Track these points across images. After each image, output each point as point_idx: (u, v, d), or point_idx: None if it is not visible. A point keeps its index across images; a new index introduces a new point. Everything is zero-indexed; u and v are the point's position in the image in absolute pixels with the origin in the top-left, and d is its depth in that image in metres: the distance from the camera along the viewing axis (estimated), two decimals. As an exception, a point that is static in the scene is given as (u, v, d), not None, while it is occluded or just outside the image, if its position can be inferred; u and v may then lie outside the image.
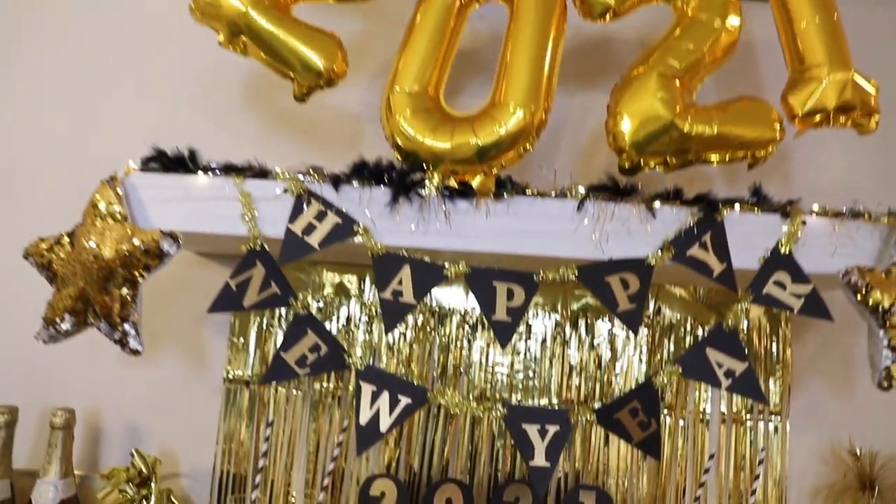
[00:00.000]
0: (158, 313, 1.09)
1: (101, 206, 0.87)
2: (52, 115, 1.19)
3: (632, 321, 0.88)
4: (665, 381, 0.89)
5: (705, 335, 0.95)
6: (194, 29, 0.93)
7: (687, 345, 1.10)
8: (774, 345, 1.11)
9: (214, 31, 0.92)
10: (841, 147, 1.16)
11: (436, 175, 0.87)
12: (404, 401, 0.86)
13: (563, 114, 1.15)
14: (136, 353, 0.84)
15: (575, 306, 1.11)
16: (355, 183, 0.90)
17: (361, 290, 1.11)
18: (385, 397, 0.86)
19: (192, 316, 1.12)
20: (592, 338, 1.11)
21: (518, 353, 1.10)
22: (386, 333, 1.08)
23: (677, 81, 0.89)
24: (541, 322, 1.11)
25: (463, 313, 1.10)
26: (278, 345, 0.99)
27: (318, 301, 1.10)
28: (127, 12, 1.21)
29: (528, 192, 0.91)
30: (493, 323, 0.87)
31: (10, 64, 1.20)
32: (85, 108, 1.19)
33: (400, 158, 0.90)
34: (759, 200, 0.94)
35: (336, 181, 0.89)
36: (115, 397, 1.12)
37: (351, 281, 1.11)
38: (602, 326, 1.11)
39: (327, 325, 1.07)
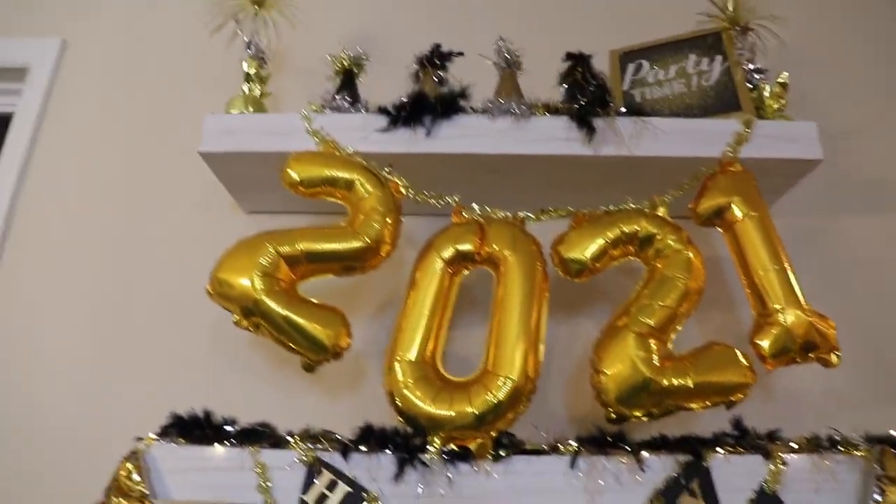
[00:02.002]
0: None
1: (123, 483, 0.92)
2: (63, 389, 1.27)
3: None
4: None
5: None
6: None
7: None
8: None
9: (228, 311, 1.01)
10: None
11: (437, 440, 0.94)
12: None
13: (551, 341, 1.23)
14: None
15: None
16: (363, 447, 0.96)
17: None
18: None
19: None
20: None
21: None
22: None
23: (652, 340, 0.97)
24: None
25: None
26: None
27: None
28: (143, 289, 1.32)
29: (526, 446, 0.97)
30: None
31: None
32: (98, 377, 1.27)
33: (402, 421, 0.97)
34: (741, 435, 1.01)
35: (345, 449, 0.95)
36: None
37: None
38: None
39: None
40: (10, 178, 1.41)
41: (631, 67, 1.28)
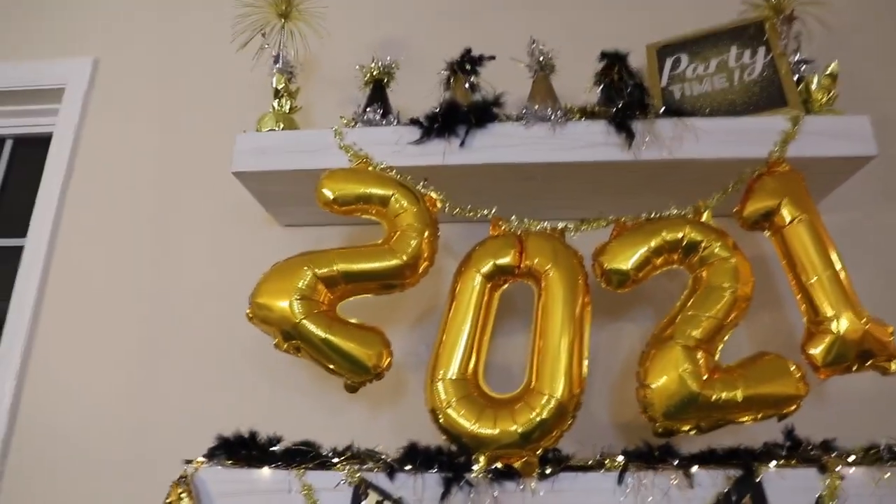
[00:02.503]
0: None
1: (175, 509, 0.94)
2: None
3: None
4: None
5: None
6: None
7: None
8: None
9: (270, 336, 1.01)
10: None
11: (482, 459, 0.93)
12: None
13: (593, 346, 1.21)
14: None
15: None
16: (408, 467, 0.96)
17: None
18: None
19: None
20: None
21: None
22: None
23: (699, 353, 0.95)
24: None
25: None
26: None
27: None
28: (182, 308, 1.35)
29: (571, 462, 0.96)
30: None
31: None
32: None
33: (447, 439, 0.96)
34: (793, 445, 0.98)
35: (391, 470, 0.96)
36: None
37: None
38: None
39: None
40: (53, 193, 1.44)
41: (669, 62, 1.23)
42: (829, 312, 0.97)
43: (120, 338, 1.33)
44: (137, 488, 1.19)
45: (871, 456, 0.96)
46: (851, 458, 0.95)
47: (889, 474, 0.93)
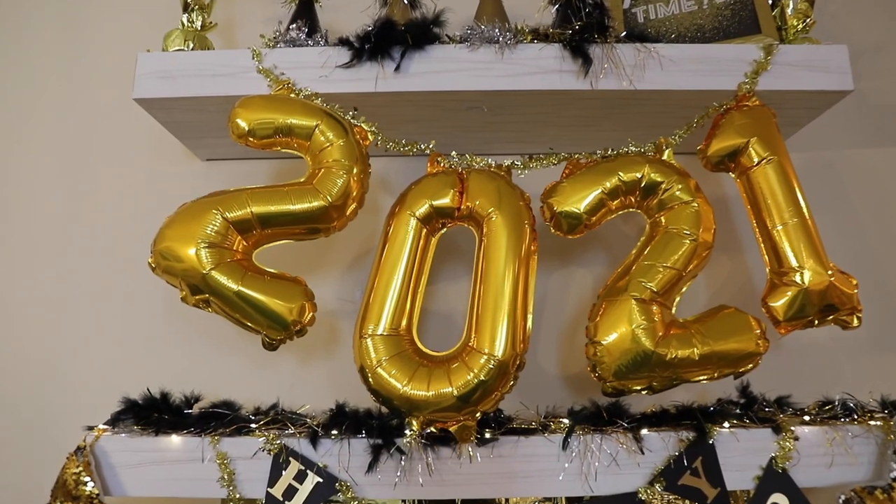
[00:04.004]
0: None
1: (71, 483, 0.84)
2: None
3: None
4: None
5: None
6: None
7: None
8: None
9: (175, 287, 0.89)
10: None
11: (414, 423, 0.85)
12: None
13: (541, 291, 1.12)
14: None
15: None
16: (334, 432, 0.87)
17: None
18: None
19: None
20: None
21: None
22: None
23: (654, 307, 0.86)
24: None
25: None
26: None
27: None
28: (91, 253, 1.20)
29: (513, 425, 0.88)
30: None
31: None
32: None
33: (378, 402, 0.87)
34: (747, 402, 0.93)
35: (314, 437, 0.87)
36: None
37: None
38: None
39: None
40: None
41: (633, -20, 1.10)
42: (794, 263, 0.89)
43: (24, 286, 1.19)
44: (36, 458, 1.09)
45: (826, 412, 0.91)
46: (806, 418, 0.90)
47: (839, 434, 0.88)
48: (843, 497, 0.85)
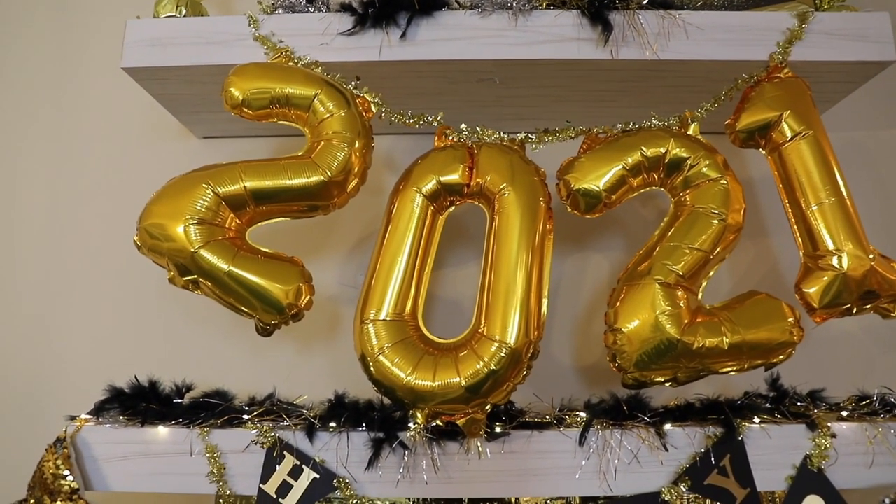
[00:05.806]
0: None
1: (49, 478, 0.78)
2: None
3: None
4: None
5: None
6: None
7: None
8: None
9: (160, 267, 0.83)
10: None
11: (419, 415, 0.78)
12: None
13: (555, 277, 1.06)
14: None
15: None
16: (332, 425, 0.81)
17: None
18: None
19: None
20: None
21: None
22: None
23: (680, 291, 0.80)
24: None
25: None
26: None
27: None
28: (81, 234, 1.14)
29: (526, 419, 0.82)
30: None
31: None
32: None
33: (380, 393, 0.81)
34: (777, 396, 0.86)
35: (310, 430, 0.80)
36: None
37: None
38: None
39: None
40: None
41: (656, -54, 1.02)
42: (831, 245, 0.82)
43: (9, 267, 1.13)
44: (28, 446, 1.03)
45: (864, 408, 0.85)
46: (844, 414, 0.83)
47: (880, 431, 0.82)
48: (886, 500, 0.78)
